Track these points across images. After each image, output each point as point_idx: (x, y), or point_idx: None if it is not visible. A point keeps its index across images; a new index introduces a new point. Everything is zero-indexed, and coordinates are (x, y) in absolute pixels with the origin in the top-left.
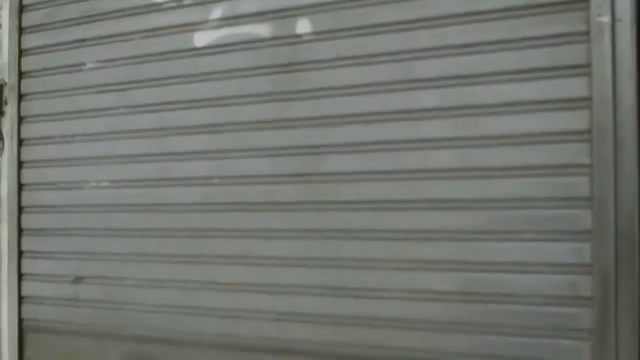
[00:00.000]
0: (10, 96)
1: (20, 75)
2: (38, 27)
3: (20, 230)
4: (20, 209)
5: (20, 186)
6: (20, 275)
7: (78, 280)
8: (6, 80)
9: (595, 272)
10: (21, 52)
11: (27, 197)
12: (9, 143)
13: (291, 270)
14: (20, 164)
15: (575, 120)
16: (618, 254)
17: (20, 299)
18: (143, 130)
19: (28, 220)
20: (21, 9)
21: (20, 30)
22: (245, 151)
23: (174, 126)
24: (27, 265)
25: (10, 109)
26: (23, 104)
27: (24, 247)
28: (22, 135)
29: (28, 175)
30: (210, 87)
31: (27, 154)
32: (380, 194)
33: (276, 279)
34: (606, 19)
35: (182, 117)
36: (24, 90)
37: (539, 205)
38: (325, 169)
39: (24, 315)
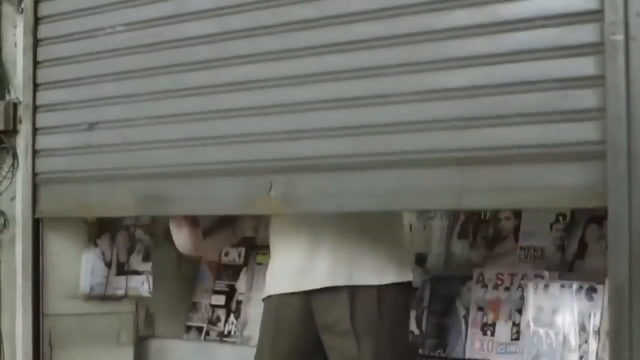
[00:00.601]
0: None
1: None
2: None
3: (35, 85)
4: (35, 64)
5: (36, 42)
6: (34, 130)
7: (92, 126)
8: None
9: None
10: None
11: (42, 52)
12: None
13: (302, 88)
14: (36, 20)
15: None
16: (632, 270)
17: (34, 153)
18: None
19: (43, 75)
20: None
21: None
22: None
23: None
24: (42, 119)
25: None
26: None
27: (38, 102)
28: None
29: (43, 30)
30: None
31: (43, 10)
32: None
33: (287, 99)
34: (620, 37)
35: None
36: None
37: None
38: None
39: (38, 169)
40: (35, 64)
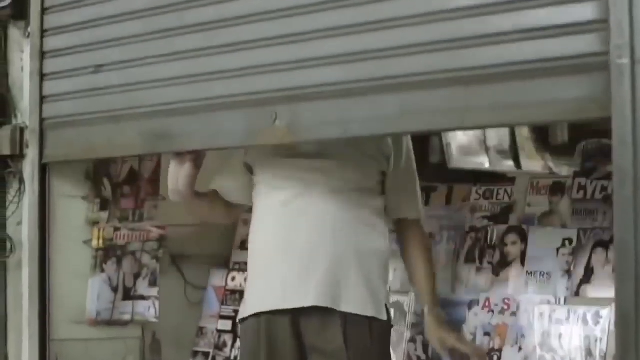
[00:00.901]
0: None
1: None
2: None
3: (42, 31)
4: (43, 10)
5: None
6: (42, 76)
7: (98, 68)
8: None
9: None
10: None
11: None
12: None
13: (303, 18)
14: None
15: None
16: (638, 295)
17: (42, 99)
18: None
19: (50, 21)
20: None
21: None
22: None
23: None
24: (49, 65)
25: None
26: None
27: (46, 48)
28: None
29: None
30: None
31: None
32: None
33: (289, 29)
34: (626, 60)
35: None
36: None
37: None
38: None
39: (45, 115)
40: (43, 10)
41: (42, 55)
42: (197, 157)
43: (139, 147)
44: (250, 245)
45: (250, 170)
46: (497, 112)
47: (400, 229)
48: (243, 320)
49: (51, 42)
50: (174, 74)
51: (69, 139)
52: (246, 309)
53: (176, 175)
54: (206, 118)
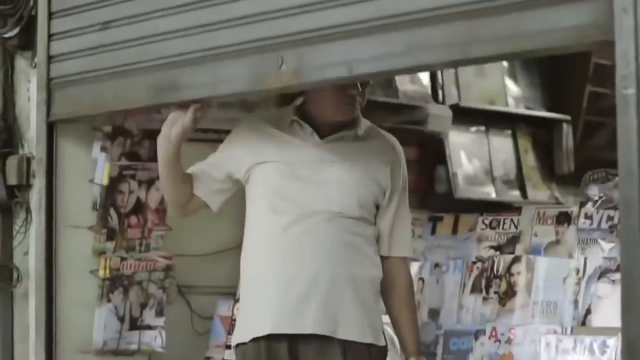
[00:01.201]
0: None
1: None
2: None
3: (49, 58)
4: (49, 35)
5: None
6: (49, 36)
7: (106, 25)
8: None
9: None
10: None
11: None
12: None
13: None
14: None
15: None
16: None
17: (49, 58)
18: None
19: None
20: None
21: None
22: None
23: None
24: (56, 25)
25: None
26: None
27: (53, 9)
28: None
29: None
30: None
31: None
32: None
33: None
34: (632, 90)
35: None
36: None
37: None
38: None
39: (52, 74)
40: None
41: (49, 81)
42: (198, 109)
43: (146, 99)
44: (245, 268)
45: (237, 182)
46: (500, 42)
47: (387, 266)
48: (239, 345)
49: (59, 3)
50: (179, 25)
51: (76, 96)
52: (243, 334)
53: (172, 124)
54: (212, 67)
